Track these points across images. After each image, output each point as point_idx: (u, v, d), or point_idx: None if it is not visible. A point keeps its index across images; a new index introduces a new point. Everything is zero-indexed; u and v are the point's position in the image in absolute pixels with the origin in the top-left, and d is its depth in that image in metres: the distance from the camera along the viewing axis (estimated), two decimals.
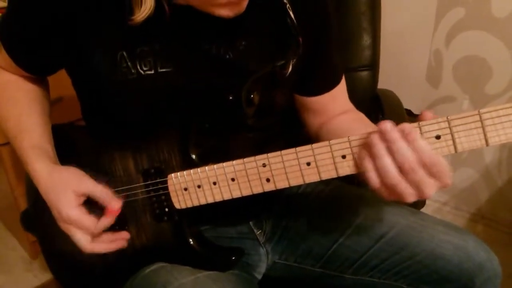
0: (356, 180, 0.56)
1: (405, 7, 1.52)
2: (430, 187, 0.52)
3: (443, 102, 1.56)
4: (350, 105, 0.84)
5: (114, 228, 0.68)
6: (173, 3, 0.63)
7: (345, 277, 0.77)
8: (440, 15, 1.46)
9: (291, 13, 0.67)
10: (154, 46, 0.65)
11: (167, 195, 0.67)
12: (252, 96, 0.65)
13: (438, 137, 0.51)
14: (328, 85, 0.80)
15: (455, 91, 1.51)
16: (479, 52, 1.41)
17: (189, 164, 0.65)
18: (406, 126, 0.51)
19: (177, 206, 0.67)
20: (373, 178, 0.53)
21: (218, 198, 0.64)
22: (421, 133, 0.52)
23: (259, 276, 0.82)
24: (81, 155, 0.73)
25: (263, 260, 0.82)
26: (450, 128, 0.51)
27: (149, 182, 0.68)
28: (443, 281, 0.69)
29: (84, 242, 0.65)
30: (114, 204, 0.65)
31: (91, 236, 0.66)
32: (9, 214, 1.57)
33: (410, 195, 0.53)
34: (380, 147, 0.52)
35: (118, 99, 0.68)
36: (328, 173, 0.58)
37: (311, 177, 0.59)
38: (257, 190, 0.62)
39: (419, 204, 0.99)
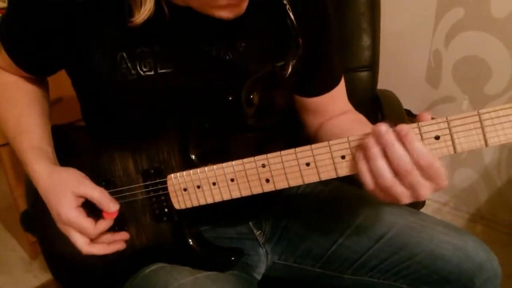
0: (356, 181, 0.56)
1: (404, 8, 1.52)
2: (425, 189, 0.52)
3: (443, 102, 1.56)
4: (349, 106, 0.84)
5: (113, 228, 0.69)
6: (173, 4, 0.63)
7: (344, 277, 0.77)
8: (440, 15, 1.46)
9: (291, 14, 0.67)
10: (154, 47, 0.65)
11: (167, 196, 0.67)
12: (251, 96, 0.65)
13: (437, 138, 0.52)
14: (328, 86, 0.80)
15: (454, 92, 1.51)
16: (478, 52, 1.41)
17: (188, 165, 0.65)
18: (404, 127, 0.51)
19: (176, 206, 0.67)
20: (368, 180, 0.54)
21: (218, 199, 0.64)
22: (420, 134, 0.52)
23: (259, 277, 0.82)
24: (81, 156, 0.73)
25: (262, 260, 0.82)
26: (449, 128, 0.51)
27: (148, 182, 0.68)
28: (442, 281, 0.69)
29: (82, 243, 0.65)
30: (111, 206, 0.65)
31: (89, 238, 0.66)
32: (9, 215, 1.57)
33: (405, 197, 0.53)
34: (374, 150, 0.52)
35: (118, 100, 0.68)
36: (328, 174, 0.58)
37: (311, 177, 0.59)
38: (257, 190, 0.62)
39: (418, 204, 0.99)
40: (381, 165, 0.52)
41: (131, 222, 0.70)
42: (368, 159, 0.53)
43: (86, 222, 0.64)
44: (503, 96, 1.40)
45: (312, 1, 0.72)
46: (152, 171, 0.68)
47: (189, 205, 0.66)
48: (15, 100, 0.74)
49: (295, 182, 0.59)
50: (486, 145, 0.50)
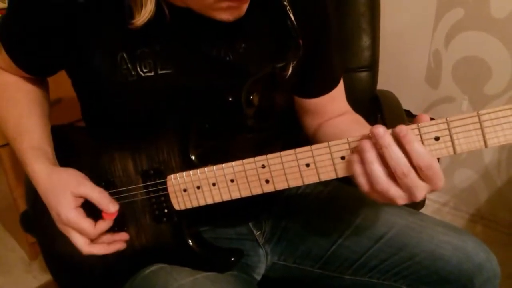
0: (353, 182, 0.57)
1: (404, 8, 1.52)
2: (421, 190, 0.52)
3: (443, 103, 1.56)
4: (347, 107, 0.84)
5: (113, 229, 0.69)
6: (173, 5, 0.63)
7: (344, 277, 0.77)
8: (440, 15, 1.46)
9: (291, 15, 0.67)
10: (155, 48, 0.65)
11: (167, 196, 0.67)
12: (252, 97, 0.65)
13: (437, 139, 0.52)
14: (327, 87, 0.80)
15: (454, 92, 1.51)
16: (478, 52, 1.41)
17: (188, 165, 0.65)
18: (403, 127, 0.51)
19: (176, 207, 0.67)
20: (363, 183, 0.54)
21: (218, 199, 0.64)
22: (420, 135, 0.52)
23: (258, 277, 0.82)
24: (81, 156, 0.73)
25: (262, 261, 0.82)
26: (449, 129, 0.51)
27: (148, 183, 0.68)
28: (442, 281, 0.69)
29: (82, 244, 0.65)
30: (111, 207, 0.65)
31: (89, 238, 0.66)
32: (9, 215, 1.57)
33: (401, 199, 0.53)
34: (370, 153, 0.52)
35: (118, 100, 0.68)
36: (327, 174, 0.58)
37: (310, 178, 0.59)
38: (256, 191, 0.62)
39: (418, 204, 0.99)
40: (376, 168, 0.52)
41: (130, 223, 0.70)
42: (363, 162, 0.53)
43: (86, 223, 0.64)
44: (503, 96, 1.40)
45: (312, 1, 0.72)
46: (152, 171, 0.68)
47: (189, 206, 0.66)
48: (15, 101, 0.74)
49: (295, 182, 0.59)
50: (486, 146, 0.50)
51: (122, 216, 0.69)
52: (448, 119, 0.51)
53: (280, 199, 0.85)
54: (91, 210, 0.66)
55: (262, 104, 0.67)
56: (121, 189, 0.69)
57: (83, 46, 0.65)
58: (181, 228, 0.69)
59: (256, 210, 0.81)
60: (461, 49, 1.44)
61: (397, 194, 0.52)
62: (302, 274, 0.81)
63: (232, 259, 0.72)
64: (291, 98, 0.81)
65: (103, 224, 0.66)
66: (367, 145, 0.52)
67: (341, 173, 0.57)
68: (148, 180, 0.68)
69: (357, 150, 0.54)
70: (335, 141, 0.56)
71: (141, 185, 0.69)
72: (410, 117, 1.23)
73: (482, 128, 0.50)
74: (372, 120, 1.16)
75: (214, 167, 0.63)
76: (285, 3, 0.67)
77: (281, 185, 0.60)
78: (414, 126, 0.52)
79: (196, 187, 0.64)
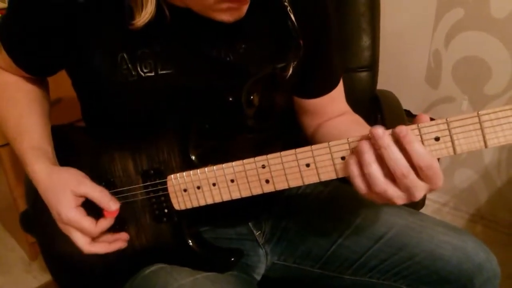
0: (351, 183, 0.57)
1: (404, 8, 1.52)
2: (421, 190, 0.52)
3: (443, 103, 1.56)
4: (347, 107, 0.84)
5: (113, 229, 0.69)
6: (173, 6, 0.63)
7: (344, 277, 0.77)
8: (440, 15, 1.46)
9: (292, 15, 0.67)
10: (155, 48, 0.65)
11: (167, 196, 0.67)
12: (252, 97, 0.65)
13: (437, 139, 0.52)
14: (327, 87, 0.80)
15: (454, 92, 1.51)
16: (478, 52, 1.41)
17: (188, 165, 0.65)
18: (403, 128, 0.51)
19: (176, 207, 0.67)
20: (360, 185, 0.54)
21: (218, 199, 0.64)
22: (421, 135, 0.52)
23: (258, 277, 0.82)
24: (81, 156, 0.73)
25: (262, 261, 0.82)
26: (449, 130, 0.51)
27: (148, 183, 0.68)
28: (442, 281, 0.69)
29: (84, 243, 0.65)
30: (111, 205, 0.65)
31: (91, 237, 0.66)
32: (8, 215, 1.57)
33: (400, 199, 0.53)
34: (368, 155, 0.52)
35: (118, 100, 0.68)
36: (328, 175, 0.58)
37: (311, 178, 0.59)
38: (257, 191, 0.62)
39: (418, 204, 0.99)
40: (375, 169, 0.52)
41: (131, 223, 0.71)
42: (361, 164, 0.53)
43: (87, 221, 0.64)
44: (503, 96, 1.40)
45: (312, 1, 0.72)
46: (152, 171, 0.68)
47: (189, 206, 0.66)
48: (15, 100, 0.74)
49: (295, 183, 0.59)
50: (486, 146, 0.50)
51: (122, 216, 0.69)
52: (448, 119, 0.51)
53: (280, 199, 0.85)
54: (92, 210, 0.66)
55: (262, 104, 0.67)
56: (121, 189, 0.69)
57: (83, 46, 0.65)
58: (181, 228, 0.69)
59: (256, 210, 0.81)
60: (461, 49, 1.44)
61: (396, 195, 0.53)
62: (302, 274, 0.81)
63: (232, 259, 0.72)
64: (291, 98, 0.81)
65: (105, 222, 0.66)
66: (365, 147, 0.52)
67: (341, 173, 0.57)
68: (148, 180, 0.68)
69: (355, 152, 0.54)
70: (335, 141, 0.56)
71: (141, 185, 0.69)
72: (410, 117, 1.23)
73: (482, 129, 0.50)
74: (372, 120, 1.16)
75: (214, 167, 0.63)
76: (285, 3, 0.67)
77: (281, 185, 0.60)
78: (414, 126, 0.52)
79: (196, 187, 0.64)
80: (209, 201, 0.65)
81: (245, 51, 0.68)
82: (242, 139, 0.70)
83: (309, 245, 0.79)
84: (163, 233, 0.70)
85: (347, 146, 0.55)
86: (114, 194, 0.69)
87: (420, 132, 0.52)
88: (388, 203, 0.54)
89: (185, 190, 0.65)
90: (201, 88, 0.67)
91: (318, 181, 0.58)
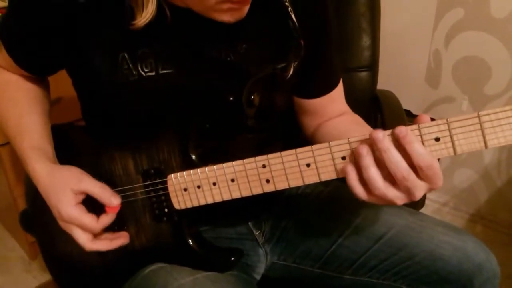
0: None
1: (404, 8, 1.53)
2: (420, 190, 0.52)
3: (443, 103, 1.56)
4: (346, 107, 0.84)
5: (113, 228, 0.69)
6: (174, 6, 0.63)
7: (344, 277, 0.77)
8: (440, 15, 1.46)
9: (292, 16, 0.67)
10: (155, 48, 0.65)
11: (167, 196, 0.67)
12: (252, 97, 0.65)
13: (437, 139, 0.52)
14: (327, 87, 0.80)
15: (454, 92, 1.51)
16: (478, 52, 1.41)
17: (189, 165, 0.65)
18: (403, 129, 0.51)
19: (176, 206, 0.67)
20: (360, 191, 0.54)
21: (218, 199, 0.64)
22: (421, 136, 0.52)
23: (258, 277, 0.82)
24: (81, 155, 0.73)
25: (262, 260, 0.82)
26: (449, 130, 0.51)
27: (148, 182, 0.68)
28: (442, 281, 0.69)
29: (85, 240, 0.65)
30: (113, 200, 0.65)
31: (92, 234, 0.66)
32: (8, 215, 1.57)
33: (400, 200, 0.53)
34: (367, 159, 0.52)
35: (119, 100, 0.68)
36: (328, 175, 0.58)
37: (311, 178, 0.59)
38: (257, 191, 0.62)
39: (418, 204, 0.99)
40: (374, 172, 0.52)
41: (131, 222, 0.71)
42: (360, 168, 0.53)
43: (88, 218, 0.64)
44: (503, 96, 1.40)
45: (312, 1, 0.72)
46: (152, 171, 0.68)
47: (189, 205, 0.66)
48: (16, 100, 0.74)
49: (295, 182, 0.60)
50: (486, 147, 0.50)
51: (122, 216, 0.69)
52: (448, 119, 0.51)
53: (280, 199, 0.85)
54: (93, 207, 0.66)
55: (263, 105, 0.67)
56: (121, 188, 0.69)
57: (83, 46, 0.65)
58: (181, 228, 0.69)
59: (256, 210, 0.81)
60: (461, 49, 1.44)
61: (396, 196, 0.53)
62: (302, 274, 0.81)
63: (232, 258, 0.72)
64: (291, 99, 0.81)
65: (106, 218, 0.65)
66: (364, 150, 0.52)
67: (342, 174, 0.57)
68: (149, 180, 0.68)
69: (354, 155, 0.54)
70: (335, 141, 0.56)
71: (142, 184, 0.69)
72: (410, 117, 1.23)
73: (482, 129, 0.50)
74: (372, 120, 1.16)
75: (215, 166, 0.63)
76: (286, 3, 0.67)
77: (281, 185, 0.60)
78: (414, 126, 0.52)
79: (196, 186, 0.65)
80: (209, 200, 0.65)
81: (246, 51, 0.68)
82: (243, 139, 0.70)
83: (309, 245, 0.79)
84: (163, 232, 0.70)
85: (347, 146, 0.56)
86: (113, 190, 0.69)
87: (420, 132, 0.52)
88: (387, 204, 0.54)
89: (185, 190, 0.65)
90: (202, 88, 0.67)
91: (319, 181, 0.58)
